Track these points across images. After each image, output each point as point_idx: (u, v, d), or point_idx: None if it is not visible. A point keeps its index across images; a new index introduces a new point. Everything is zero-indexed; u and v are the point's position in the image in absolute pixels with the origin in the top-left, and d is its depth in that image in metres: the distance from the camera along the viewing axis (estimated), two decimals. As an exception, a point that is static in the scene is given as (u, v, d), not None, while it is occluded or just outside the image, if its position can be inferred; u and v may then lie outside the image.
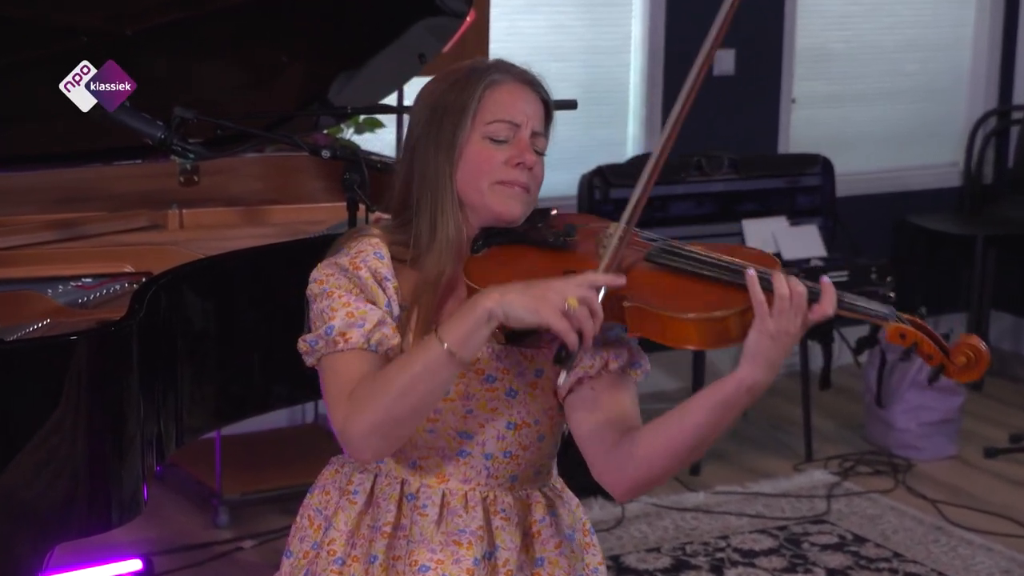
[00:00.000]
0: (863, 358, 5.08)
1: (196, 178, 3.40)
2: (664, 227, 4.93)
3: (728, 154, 5.09)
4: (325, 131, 4.12)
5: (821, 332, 5.07)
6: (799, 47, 5.59)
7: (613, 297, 1.95)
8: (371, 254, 2.05)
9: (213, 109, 3.03)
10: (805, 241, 4.96)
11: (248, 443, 4.53)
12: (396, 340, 1.99)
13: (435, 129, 2.07)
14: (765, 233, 4.93)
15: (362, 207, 2.77)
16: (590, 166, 4.91)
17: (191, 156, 2.83)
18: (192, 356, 2.67)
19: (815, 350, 5.25)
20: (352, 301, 1.99)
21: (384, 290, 2.03)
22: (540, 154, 2.09)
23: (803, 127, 5.67)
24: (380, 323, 1.98)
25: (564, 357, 1.94)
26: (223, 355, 2.78)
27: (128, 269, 2.92)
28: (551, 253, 2.06)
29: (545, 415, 2.08)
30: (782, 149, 5.59)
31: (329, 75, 3.47)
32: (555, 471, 2.18)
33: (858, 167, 5.75)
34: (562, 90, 5.54)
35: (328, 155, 2.80)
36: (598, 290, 1.91)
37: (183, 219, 3.30)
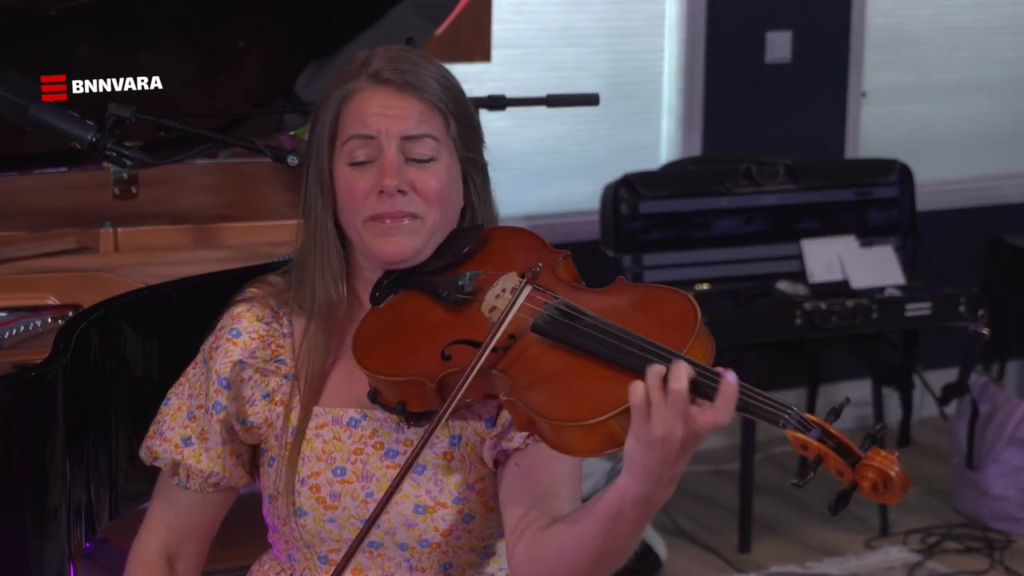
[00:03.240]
0: (950, 409, 5.07)
1: (134, 190, 3.41)
2: (706, 248, 4.93)
3: (784, 160, 5.10)
4: (291, 133, 4.13)
5: (899, 377, 5.07)
6: (869, 28, 5.62)
7: (488, 384, 1.89)
8: (227, 334, 2.12)
9: (155, 106, 3.04)
10: (878, 266, 4.96)
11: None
12: (196, 482, 2.19)
13: (312, 151, 2.08)
14: (829, 255, 4.93)
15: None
16: (616, 174, 4.91)
17: (128, 163, 2.84)
18: (130, 406, 2.68)
19: (891, 399, 5.24)
20: (172, 427, 2.16)
21: (243, 378, 2.10)
22: (426, 161, 2.02)
23: (875, 126, 5.69)
24: (176, 464, 2.16)
25: None
26: (167, 406, 2.78)
27: (51, 301, 2.92)
28: (443, 311, 2.00)
29: (471, 490, 2.04)
30: (850, 154, 5.60)
31: (296, 65, 3.49)
32: None
33: (943, 175, 5.77)
34: (580, 81, 5.55)
35: (295, 162, 2.81)
36: None
37: (118, 240, 3.31)
